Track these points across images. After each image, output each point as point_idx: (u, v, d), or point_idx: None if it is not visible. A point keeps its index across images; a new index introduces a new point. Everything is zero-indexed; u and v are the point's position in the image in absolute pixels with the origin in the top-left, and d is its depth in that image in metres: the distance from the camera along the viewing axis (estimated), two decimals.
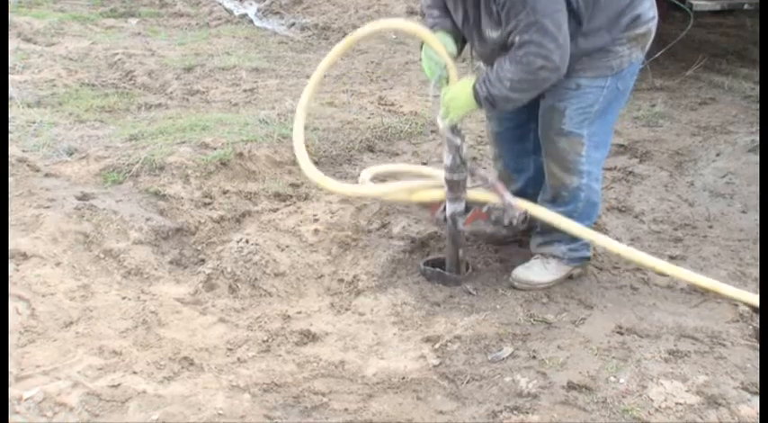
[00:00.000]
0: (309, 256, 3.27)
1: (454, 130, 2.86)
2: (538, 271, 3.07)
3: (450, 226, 3.00)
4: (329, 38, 7.08)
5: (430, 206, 3.12)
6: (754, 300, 2.87)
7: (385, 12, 7.51)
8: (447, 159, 2.90)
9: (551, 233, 3.09)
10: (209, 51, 6.31)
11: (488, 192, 2.99)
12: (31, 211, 3.29)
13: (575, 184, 2.92)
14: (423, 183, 3.12)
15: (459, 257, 3.04)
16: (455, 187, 2.92)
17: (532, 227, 3.24)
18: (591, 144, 2.87)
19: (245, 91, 5.34)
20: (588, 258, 3.14)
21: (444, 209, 3.00)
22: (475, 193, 3.02)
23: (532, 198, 3.17)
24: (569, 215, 3.00)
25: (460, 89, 2.79)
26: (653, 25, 2.81)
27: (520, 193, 3.26)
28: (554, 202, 3.02)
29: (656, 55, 5.08)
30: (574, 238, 3.04)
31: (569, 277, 3.10)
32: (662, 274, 3.07)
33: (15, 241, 3.04)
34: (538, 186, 3.14)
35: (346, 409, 2.40)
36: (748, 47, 6.30)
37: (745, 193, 3.90)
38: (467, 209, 2.99)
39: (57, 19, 7.20)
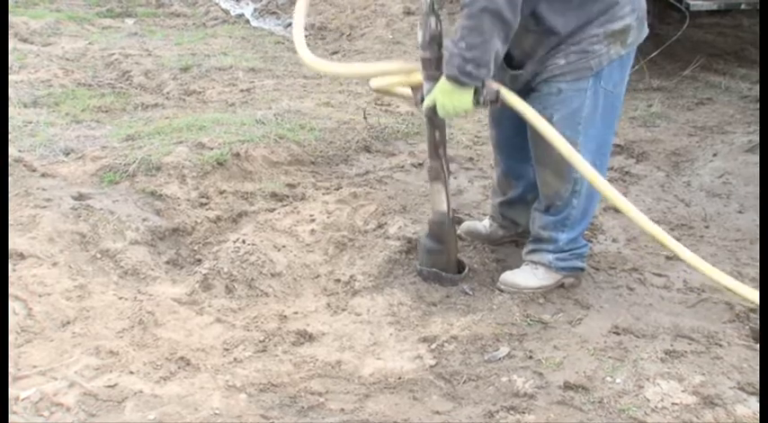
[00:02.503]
0: (306, 257, 3.27)
1: (430, 9, 2.75)
2: (524, 276, 3.05)
3: (425, 106, 2.85)
4: (326, 38, 7.08)
5: (418, 88, 2.94)
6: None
7: (381, 12, 7.52)
8: (419, 36, 2.81)
9: (540, 241, 3.07)
10: (205, 51, 6.31)
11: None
12: (27, 212, 3.29)
13: (567, 191, 2.88)
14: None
15: (436, 140, 2.94)
16: (427, 65, 2.81)
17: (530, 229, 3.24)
18: (586, 151, 2.76)
19: (241, 91, 5.33)
20: (582, 269, 3.10)
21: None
22: None
23: (531, 203, 3.15)
24: (562, 223, 2.98)
25: (438, 90, 2.68)
26: (631, 20, 2.69)
27: (519, 199, 3.26)
28: (547, 211, 3.01)
29: (652, 55, 5.09)
30: (561, 248, 3.02)
31: (561, 286, 3.07)
32: (665, 246, 2.82)
33: (12, 241, 3.03)
34: (537, 191, 3.13)
35: (343, 410, 2.39)
36: (745, 47, 6.31)
37: (741, 193, 3.91)
38: None
39: (53, 19, 7.21)
